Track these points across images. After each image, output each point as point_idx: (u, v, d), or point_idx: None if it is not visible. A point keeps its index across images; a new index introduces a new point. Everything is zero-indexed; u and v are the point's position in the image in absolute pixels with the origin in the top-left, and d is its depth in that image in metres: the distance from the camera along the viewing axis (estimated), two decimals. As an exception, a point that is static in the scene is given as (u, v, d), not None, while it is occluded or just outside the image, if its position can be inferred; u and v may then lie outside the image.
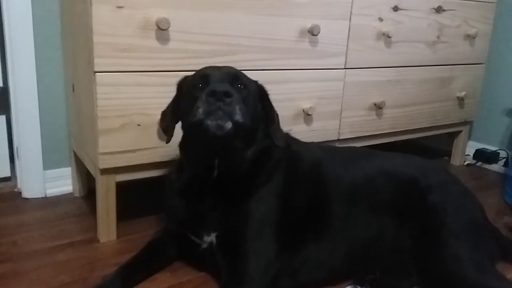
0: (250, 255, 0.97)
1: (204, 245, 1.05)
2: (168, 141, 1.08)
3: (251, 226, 1.00)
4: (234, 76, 0.99)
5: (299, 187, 1.08)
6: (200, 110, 0.90)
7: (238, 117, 0.91)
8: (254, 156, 1.02)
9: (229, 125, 0.90)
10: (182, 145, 1.08)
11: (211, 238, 1.03)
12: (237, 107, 0.91)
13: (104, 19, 1.07)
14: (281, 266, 1.01)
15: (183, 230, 1.09)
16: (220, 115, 0.90)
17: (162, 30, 1.13)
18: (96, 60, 1.09)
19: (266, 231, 1.00)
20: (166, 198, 1.13)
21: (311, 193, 1.08)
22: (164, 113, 1.10)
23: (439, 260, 1.04)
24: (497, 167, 2.08)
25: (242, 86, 0.99)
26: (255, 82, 1.06)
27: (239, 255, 0.98)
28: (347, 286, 1.03)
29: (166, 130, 1.09)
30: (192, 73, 1.05)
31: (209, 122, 0.90)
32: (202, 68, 1.03)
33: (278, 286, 1.02)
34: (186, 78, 1.06)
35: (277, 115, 1.09)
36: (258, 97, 1.05)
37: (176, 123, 1.07)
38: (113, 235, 1.26)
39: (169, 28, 1.14)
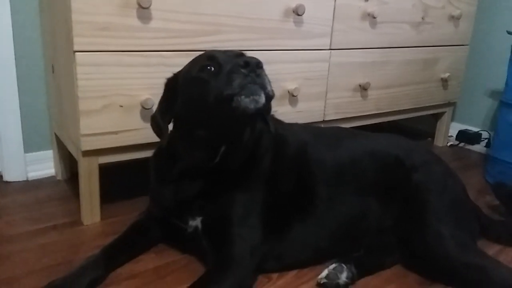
0: (236, 240, 0.97)
1: (190, 229, 1.04)
2: (164, 143, 1.02)
3: (237, 211, 1.00)
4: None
5: (284, 171, 1.08)
6: (236, 83, 0.85)
7: (269, 89, 0.89)
8: (251, 144, 1.02)
9: (262, 99, 0.87)
10: (178, 133, 1.03)
11: (196, 222, 1.03)
12: (267, 79, 0.89)
13: (83, -3, 1.04)
14: (267, 249, 1.02)
15: (167, 215, 1.08)
16: (255, 89, 0.86)
17: (143, 9, 1.11)
18: (75, 39, 1.06)
19: (251, 216, 1.00)
20: (151, 184, 1.12)
21: (297, 175, 1.08)
22: (154, 117, 1.03)
23: (422, 238, 1.05)
24: (479, 147, 2.11)
25: None
26: None
27: (225, 239, 0.98)
28: (332, 264, 1.04)
29: (160, 132, 1.02)
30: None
31: (243, 97, 0.86)
32: (204, 53, 0.99)
33: (264, 269, 1.04)
34: (177, 74, 1.02)
35: None
36: None
37: (169, 123, 1.02)
38: (97, 218, 1.25)
39: (151, 7, 1.11)
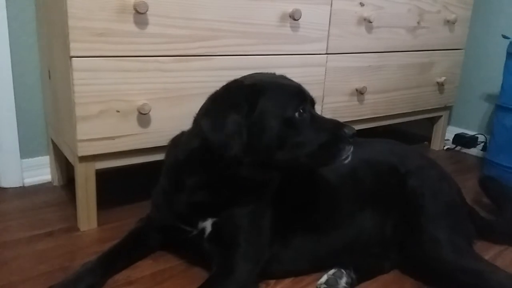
0: (245, 245, 0.98)
1: (195, 232, 1.03)
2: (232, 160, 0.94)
3: (249, 217, 1.00)
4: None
5: (291, 183, 1.07)
6: (344, 152, 0.94)
7: None
8: None
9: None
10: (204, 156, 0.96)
11: (205, 223, 1.01)
12: None
13: (79, 3, 1.04)
14: (272, 254, 1.02)
15: (173, 220, 1.05)
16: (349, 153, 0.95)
17: (140, 14, 1.11)
18: (72, 45, 1.06)
19: (262, 222, 1.01)
20: (163, 192, 1.08)
21: (300, 187, 1.08)
22: (227, 135, 0.90)
23: (418, 243, 1.06)
24: (475, 151, 2.12)
25: None
26: None
27: (234, 243, 0.98)
28: (331, 270, 1.04)
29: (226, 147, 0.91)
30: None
31: (339, 160, 0.95)
32: (291, 86, 0.99)
33: (268, 273, 1.04)
34: (261, 89, 0.94)
35: None
36: None
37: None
38: (93, 224, 1.25)
39: (148, 12, 1.11)
